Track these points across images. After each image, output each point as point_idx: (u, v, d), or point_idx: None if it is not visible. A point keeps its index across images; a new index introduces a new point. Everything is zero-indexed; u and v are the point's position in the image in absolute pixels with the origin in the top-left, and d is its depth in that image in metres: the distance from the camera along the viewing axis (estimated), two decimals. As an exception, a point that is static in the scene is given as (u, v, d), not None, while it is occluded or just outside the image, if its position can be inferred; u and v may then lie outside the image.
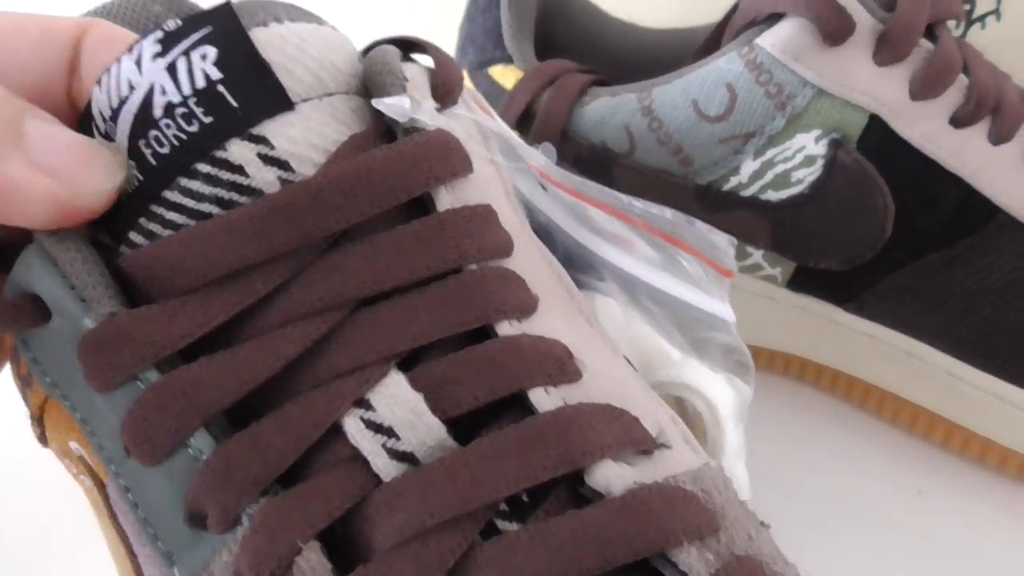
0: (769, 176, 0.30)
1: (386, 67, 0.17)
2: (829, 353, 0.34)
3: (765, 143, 0.29)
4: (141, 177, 0.16)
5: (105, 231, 0.17)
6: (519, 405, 0.16)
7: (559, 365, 0.16)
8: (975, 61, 0.29)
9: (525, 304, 0.17)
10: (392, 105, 0.17)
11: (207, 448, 0.15)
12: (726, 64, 0.29)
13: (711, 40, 0.34)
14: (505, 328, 0.16)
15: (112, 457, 0.17)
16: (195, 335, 0.16)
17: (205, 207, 0.16)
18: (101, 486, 0.18)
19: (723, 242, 0.21)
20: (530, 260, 0.18)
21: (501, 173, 0.19)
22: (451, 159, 0.17)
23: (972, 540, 0.30)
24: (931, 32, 0.29)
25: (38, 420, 0.19)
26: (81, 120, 0.17)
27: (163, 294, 0.16)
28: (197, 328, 0.16)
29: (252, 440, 0.15)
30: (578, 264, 0.22)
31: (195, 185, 0.16)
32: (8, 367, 0.20)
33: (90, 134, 0.17)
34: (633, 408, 0.17)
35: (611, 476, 0.15)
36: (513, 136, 0.20)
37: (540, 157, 0.21)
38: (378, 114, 0.17)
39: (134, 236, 0.17)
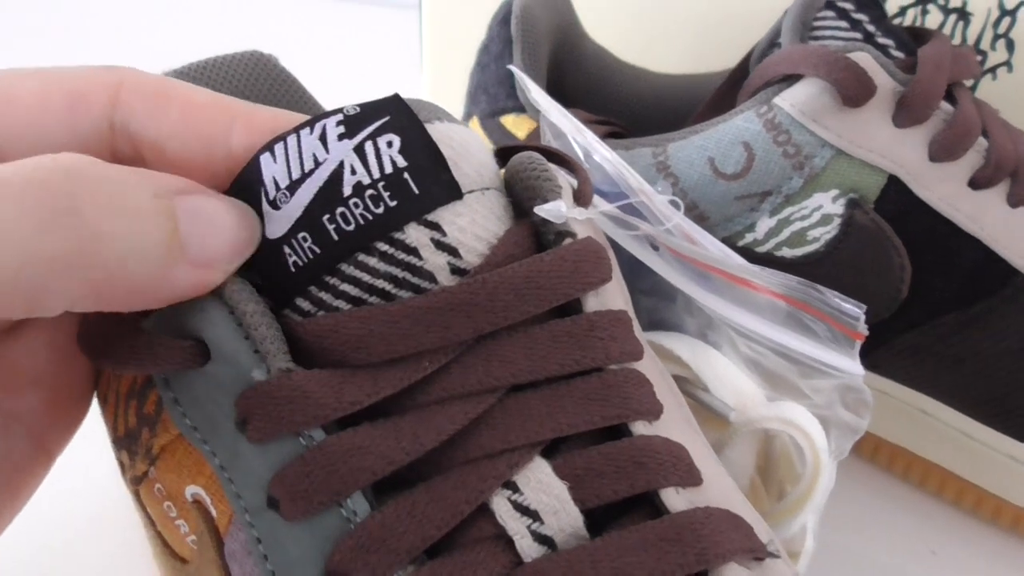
0: (785, 234, 0.29)
1: (544, 173, 0.19)
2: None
3: (782, 202, 0.29)
4: (318, 249, 0.17)
5: (265, 293, 0.17)
6: (647, 502, 0.17)
7: (688, 468, 0.17)
8: (993, 124, 0.29)
9: (655, 408, 0.18)
10: (551, 211, 0.18)
11: (362, 511, 0.16)
12: (743, 123, 0.28)
13: (723, 91, 0.34)
14: (640, 428, 0.17)
15: (249, 507, 0.17)
16: (363, 404, 0.16)
17: (379, 283, 0.17)
18: (215, 534, 0.18)
19: (852, 309, 0.22)
20: (652, 367, 0.19)
21: (621, 282, 0.20)
22: (601, 267, 0.18)
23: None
24: (949, 93, 0.29)
25: (152, 459, 0.19)
26: (239, 182, 0.18)
27: (333, 364, 0.17)
28: (366, 397, 0.16)
29: (408, 509, 0.16)
30: (673, 299, 0.24)
31: (372, 261, 0.17)
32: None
33: (250, 198, 0.17)
34: (744, 516, 0.18)
35: None
36: (646, 188, 0.22)
37: (663, 212, 0.22)
38: (523, 211, 0.19)
39: (301, 303, 0.17)
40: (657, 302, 0.26)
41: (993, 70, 0.37)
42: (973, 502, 0.32)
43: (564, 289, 0.18)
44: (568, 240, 0.18)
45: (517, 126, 0.33)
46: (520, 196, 0.19)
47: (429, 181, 0.17)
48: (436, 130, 0.18)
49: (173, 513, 0.19)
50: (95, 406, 0.21)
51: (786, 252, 0.30)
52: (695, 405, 0.23)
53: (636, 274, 0.25)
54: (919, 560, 0.31)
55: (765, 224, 0.29)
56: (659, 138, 0.30)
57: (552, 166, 0.20)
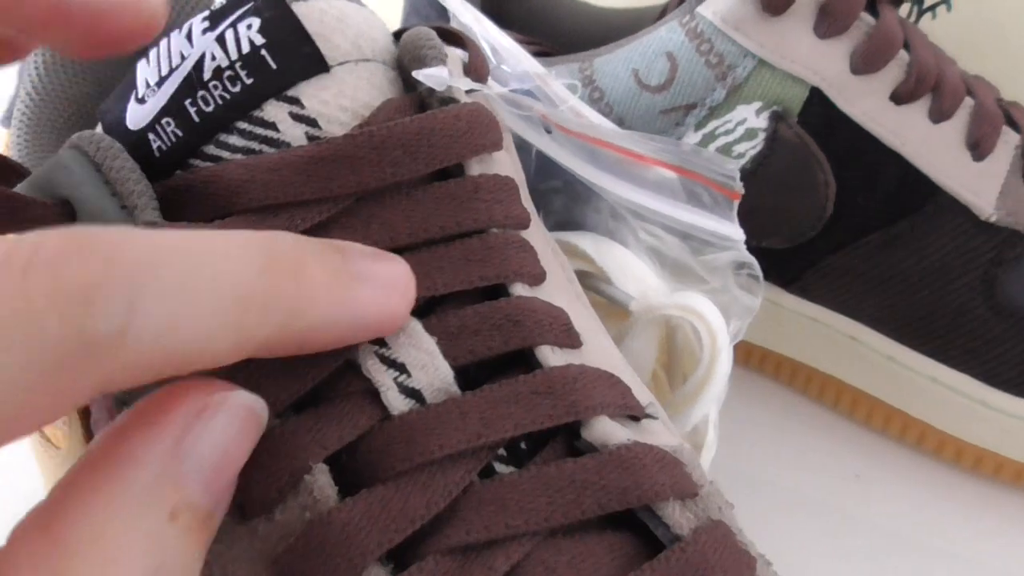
0: (711, 150, 0.29)
1: (428, 42, 0.18)
2: (774, 338, 0.34)
3: (706, 115, 0.29)
4: (181, 132, 0.17)
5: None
6: (523, 362, 0.17)
7: (566, 329, 0.17)
8: (916, 39, 0.29)
9: (537, 273, 0.18)
10: (431, 75, 0.17)
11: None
12: (667, 33, 0.28)
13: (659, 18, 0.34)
14: (519, 290, 0.17)
15: None
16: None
17: (238, 158, 0.17)
18: (83, 409, 0.18)
19: (731, 167, 0.22)
20: (540, 240, 0.19)
21: (516, 163, 0.20)
22: (492, 131, 0.18)
23: (909, 526, 0.30)
24: (872, 7, 0.29)
25: None
26: (116, 92, 0.18)
27: (215, 213, 0.16)
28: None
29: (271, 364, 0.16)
30: (584, 199, 0.24)
31: (232, 139, 0.17)
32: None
33: (123, 104, 0.18)
34: (624, 379, 0.18)
35: (607, 432, 0.16)
36: (542, 72, 0.22)
37: (559, 95, 0.22)
38: (412, 87, 0.18)
39: None
40: (569, 202, 0.25)
41: (933, 8, 0.37)
42: (899, 428, 0.32)
43: (457, 149, 0.17)
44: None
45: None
46: (407, 68, 0.18)
47: (288, 56, 0.17)
48: (308, 6, 0.18)
49: None
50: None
51: (712, 170, 0.30)
52: (599, 300, 0.23)
53: (548, 172, 0.25)
54: (844, 484, 0.31)
55: (691, 139, 0.29)
56: (586, 54, 0.30)
57: (444, 43, 0.19)
